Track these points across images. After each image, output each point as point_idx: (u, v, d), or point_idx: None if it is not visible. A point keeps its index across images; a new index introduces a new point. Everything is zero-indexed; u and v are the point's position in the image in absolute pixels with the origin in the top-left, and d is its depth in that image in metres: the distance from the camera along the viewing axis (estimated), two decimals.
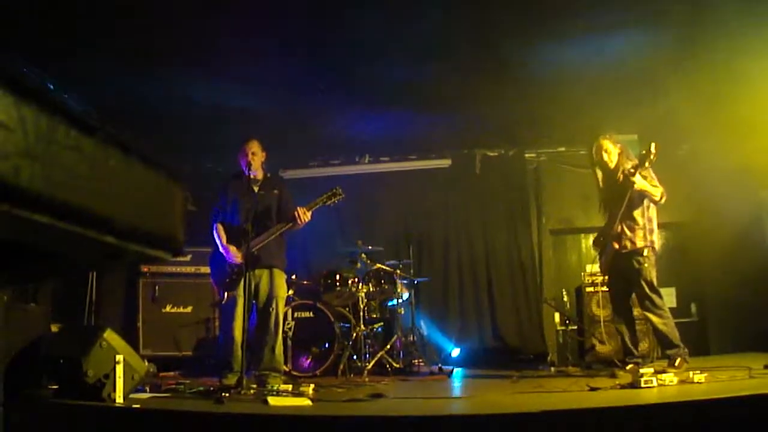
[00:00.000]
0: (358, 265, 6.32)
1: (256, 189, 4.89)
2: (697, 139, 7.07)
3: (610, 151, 4.99)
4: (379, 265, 6.28)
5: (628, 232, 4.86)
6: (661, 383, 3.79)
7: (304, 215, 4.73)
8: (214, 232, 4.86)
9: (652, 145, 4.57)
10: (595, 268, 5.82)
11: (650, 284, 4.77)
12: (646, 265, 4.79)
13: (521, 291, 7.52)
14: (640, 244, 4.84)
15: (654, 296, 4.75)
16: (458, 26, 5.08)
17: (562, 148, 7.76)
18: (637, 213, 4.87)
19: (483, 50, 5.45)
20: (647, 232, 4.86)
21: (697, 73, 5.67)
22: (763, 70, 5.45)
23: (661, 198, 4.77)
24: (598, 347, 6.13)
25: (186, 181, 1.02)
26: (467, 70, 5.82)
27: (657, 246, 4.96)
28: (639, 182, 4.65)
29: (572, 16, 4.88)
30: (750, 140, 6.35)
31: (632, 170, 4.67)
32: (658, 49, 5.37)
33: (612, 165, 4.98)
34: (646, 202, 4.88)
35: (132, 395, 3.72)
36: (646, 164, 4.62)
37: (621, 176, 4.87)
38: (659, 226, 5.06)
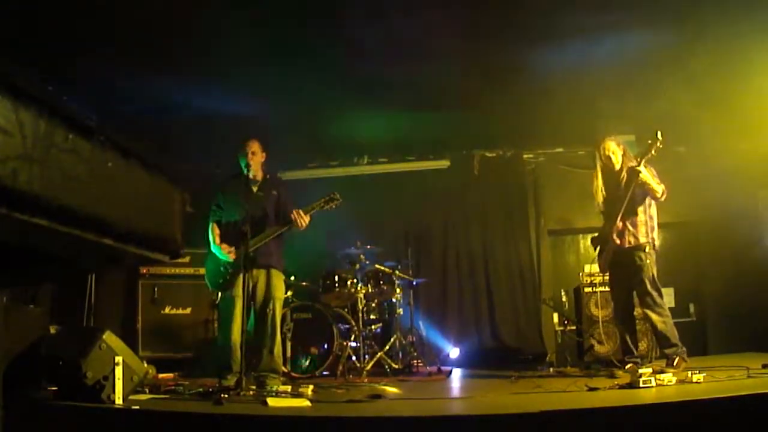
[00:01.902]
0: (357, 265, 6.32)
1: (254, 189, 4.89)
2: (696, 139, 7.08)
3: (616, 152, 5.04)
4: (378, 266, 6.29)
5: (630, 228, 4.89)
6: (660, 383, 3.80)
7: (302, 218, 4.72)
8: (209, 231, 4.87)
9: (658, 133, 4.61)
10: (594, 268, 5.84)
11: (652, 281, 4.79)
12: (648, 261, 4.82)
13: (520, 291, 7.52)
14: (642, 239, 4.88)
15: (655, 293, 4.77)
16: (457, 27, 5.09)
17: (561, 149, 7.77)
18: (639, 210, 4.92)
19: (481, 51, 5.46)
20: (649, 229, 4.91)
21: (695, 73, 5.67)
22: (763, 70, 5.46)
23: (662, 195, 4.82)
24: (597, 347, 6.14)
25: (185, 182, 1.03)
26: (466, 72, 5.83)
27: (657, 244, 4.99)
28: (644, 173, 4.69)
29: (571, 17, 4.88)
30: (749, 140, 6.37)
31: (638, 159, 4.73)
32: (656, 49, 5.37)
33: (618, 166, 5.01)
34: (647, 200, 4.92)
35: (131, 396, 3.72)
36: (653, 152, 4.66)
37: (625, 175, 4.90)
38: (658, 225, 5.08)
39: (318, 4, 4.74)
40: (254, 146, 4.89)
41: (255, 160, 4.87)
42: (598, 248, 5.19)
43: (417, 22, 4.97)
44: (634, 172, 4.73)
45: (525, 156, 7.89)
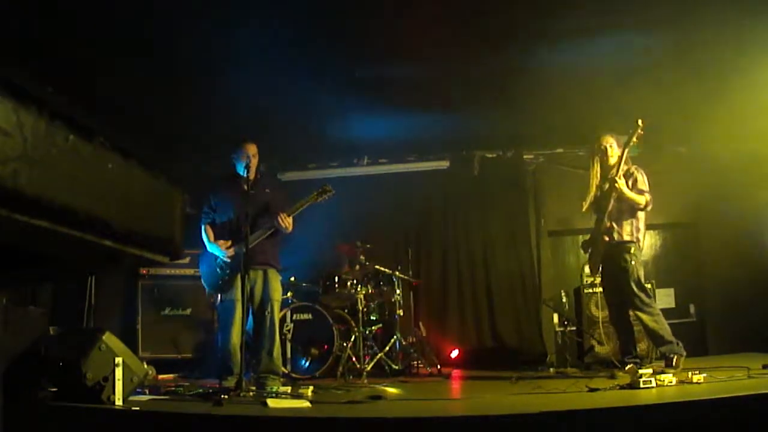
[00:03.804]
0: (357, 266, 6.31)
1: (247, 189, 4.86)
2: (697, 139, 7.08)
3: (613, 147, 5.04)
4: (378, 267, 6.29)
5: (615, 226, 4.94)
6: (660, 384, 3.80)
7: (284, 221, 4.74)
8: (202, 233, 4.87)
9: (639, 121, 4.65)
10: None
11: (638, 282, 4.81)
12: (633, 262, 4.84)
13: (520, 292, 7.52)
14: (627, 237, 4.91)
15: (642, 294, 4.79)
16: (458, 27, 5.09)
17: (561, 150, 7.76)
18: (625, 210, 4.94)
19: (482, 51, 5.46)
20: (634, 229, 4.95)
21: (696, 73, 5.67)
22: (763, 71, 5.46)
23: (646, 205, 4.84)
24: (597, 348, 6.14)
25: (184, 183, 1.03)
26: (466, 72, 5.83)
27: (643, 246, 5.03)
28: (621, 183, 4.72)
29: (572, 18, 4.88)
30: (749, 140, 6.37)
31: (621, 149, 4.82)
32: (657, 50, 5.37)
33: (611, 161, 5.02)
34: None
35: (131, 398, 3.72)
36: (635, 138, 4.71)
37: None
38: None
39: (319, 4, 4.74)
40: (253, 149, 4.91)
41: (254, 162, 4.88)
42: (589, 251, 5.21)
43: (418, 22, 4.97)
44: (611, 182, 4.78)
45: (525, 156, 7.88)
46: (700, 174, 6.98)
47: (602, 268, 5.09)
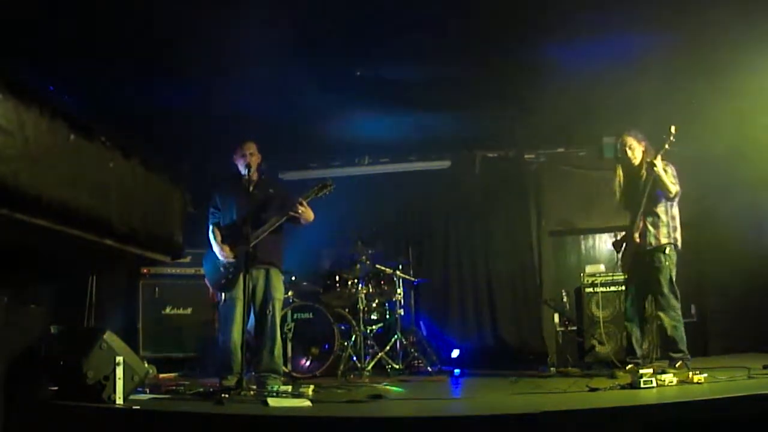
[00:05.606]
0: (358, 266, 6.31)
1: (251, 189, 4.86)
2: (698, 139, 7.07)
3: (634, 148, 5.00)
4: (378, 266, 6.28)
5: (651, 229, 4.86)
6: (661, 384, 3.80)
7: (304, 206, 4.74)
8: (210, 233, 4.87)
9: (672, 127, 4.62)
10: (594, 269, 5.83)
11: (669, 282, 4.76)
12: (667, 263, 4.78)
13: (521, 292, 7.52)
14: (663, 240, 4.83)
15: (671, 296, 4.74)
16: (459, 27, 5.09)
17: (562, 150, 7.75)
18: (660, 209, 4.88)
19: (483, 51, 5.46)
20: (671, 230, 4.86)
21: (698, 74, 5.67)
22: (764, 71, 5.46)
23: (674, 195, 4.80)
24: (598, 348, 6.14)
25: (185, 182, 1.03)
26: (467, 71, 5.82)
27: (680, 244, 4.93)
28: (659, 167, 4.67)
29: (575, 18, 4.88)
30: (750, 141, 6.36)
31: (655, 154, 4.75)
32: (660, 50, 5.37)
33: (636, 162, 4.99)
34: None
35: (132, 396, 3.72)
36: (666, 146, 4.66)
37: (644, 172, 4.88)
38: None
39: (319, 4, 4.74)
40: (252, 148, 4.92)
41: (254, 160, 4.88)
42: (623, 247, 5.12)
43: (420, 21, 4.97)
44: (650, 165, 4.73)
45: (526, 156, 7.87)
46: (700, 174, 6.96)
47: (632, 266, 5.04)
